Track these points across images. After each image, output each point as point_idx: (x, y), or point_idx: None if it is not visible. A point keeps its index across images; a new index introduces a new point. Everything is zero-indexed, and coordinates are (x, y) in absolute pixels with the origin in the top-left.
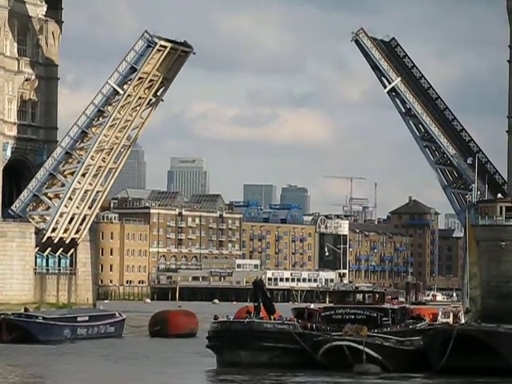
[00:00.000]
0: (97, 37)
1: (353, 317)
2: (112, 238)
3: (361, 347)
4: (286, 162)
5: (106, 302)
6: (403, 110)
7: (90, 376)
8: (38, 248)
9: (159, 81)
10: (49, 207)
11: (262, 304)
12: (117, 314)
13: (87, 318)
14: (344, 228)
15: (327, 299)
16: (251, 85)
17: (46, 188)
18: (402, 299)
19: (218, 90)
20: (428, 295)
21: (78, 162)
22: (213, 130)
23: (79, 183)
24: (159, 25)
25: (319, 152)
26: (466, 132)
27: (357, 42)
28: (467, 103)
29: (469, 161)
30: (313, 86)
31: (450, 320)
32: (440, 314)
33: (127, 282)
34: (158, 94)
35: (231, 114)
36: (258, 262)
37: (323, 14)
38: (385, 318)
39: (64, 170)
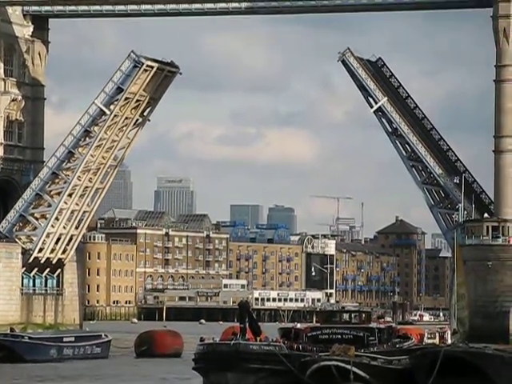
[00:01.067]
0: (81, 57)
1: (339, 336)
2: (99, 258)
3: (348, 367)
4: (272, 182)
5: (92, 322)
6: (389, 130)
7: None
8: (24, 268)
9: (146, 101)
10: (35, 227)
11: (248, 325)
12: (103, 335)
13: (73, 339)
14: (331, 248)
15: (314, 319)
16: (236, 104)
17: (33, 208)
18: (388, 319)
19: (202, 109)
20: (415, 315)
21: (65, 183)
22: (198, 149)
23: (66, 203)
24: (144, 45)
25: (305, 172)
26: (453, 152)
27: (343, 62)
28: (454, 123)
29: (455, 180)
30: (298, 105)
31: (436, 341)
32: (426, 334)
33: (114, 302)
34: (145, 114)
35: (216, 134)
36: (244, 281)
37: (309, 34)
38: (371, 338)
39: (51, 191)
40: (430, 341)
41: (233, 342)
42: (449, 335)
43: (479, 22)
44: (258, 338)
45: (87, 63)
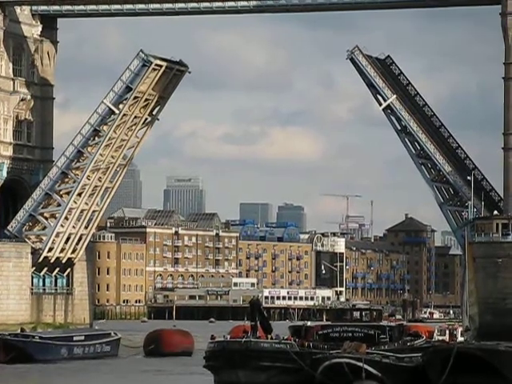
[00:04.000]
0: (83, 56)
1: (350, 334)
2: (108, 257)
3: (360, 364)
4: (280, 181)
5: (102, 321)
6: (398, 128)
7: None
8: (34, 268)
9: (155, 100)
10: (45, 227)
11: (259, 323)
12: (112, 333)
13: (83, 338)
14: (340, 246)
15: (324, 317)
16: (239, 103)
17: (42, 208)
18: (399, 317)
19: (205, 108)
20: (425, 313)
21: (74, 182)
22: (203, 148)
23: (75, 203)
24: (147, 44)
25: (312, 170)
26: (462, 149)
27: (352, 59)
28: (462, 120)
29: (465, 178)
30: (301, 104)
31: (446, 337)
32: (436, 331)
33: (124, 302)
34: (154, 113)
35: (220, 133)
36: (254, 280)
37: (311, 32)
38: (382, 336)
39: (60, 190)
40: (440, 337)
41: (244, 339)
42: (459, 332)
43: (486, 20)
44: (269, 336)
45: (89, 62)
